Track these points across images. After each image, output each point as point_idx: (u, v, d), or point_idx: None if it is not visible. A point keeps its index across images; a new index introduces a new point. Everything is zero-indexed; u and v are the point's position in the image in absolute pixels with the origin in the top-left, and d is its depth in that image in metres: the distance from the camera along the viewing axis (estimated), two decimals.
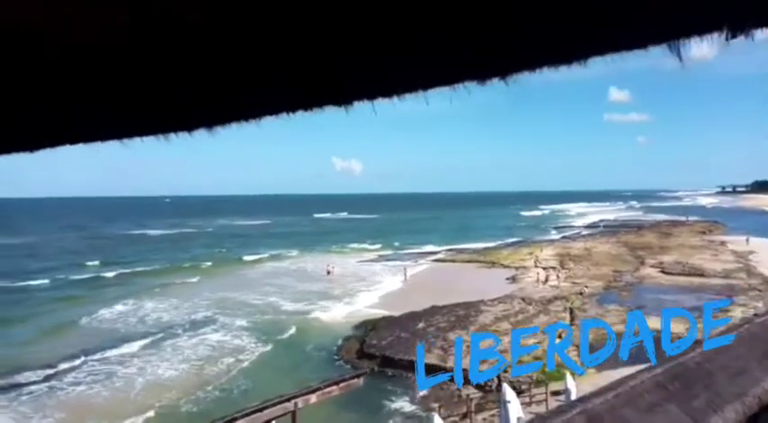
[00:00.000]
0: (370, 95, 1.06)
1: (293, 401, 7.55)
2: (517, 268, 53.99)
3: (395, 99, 1.05)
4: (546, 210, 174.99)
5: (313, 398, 7.75)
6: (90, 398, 22.54)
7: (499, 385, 22.94)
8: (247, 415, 7.18)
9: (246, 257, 65.61)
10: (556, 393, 17.75)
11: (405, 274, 50.46)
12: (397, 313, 36.01)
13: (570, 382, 14.45)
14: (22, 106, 1.17)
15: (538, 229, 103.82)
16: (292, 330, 32.87)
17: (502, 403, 11.98)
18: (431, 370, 24.98)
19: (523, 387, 21.71)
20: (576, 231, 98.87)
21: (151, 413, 20.56)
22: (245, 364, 27.21)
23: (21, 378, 25.14)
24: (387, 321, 34.10)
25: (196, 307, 38.96)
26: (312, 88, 1.07)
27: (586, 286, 41.50)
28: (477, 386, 23.01)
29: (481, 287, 42.32)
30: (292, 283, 48.92)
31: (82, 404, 21.68)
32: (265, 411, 7.37)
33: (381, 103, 1.07)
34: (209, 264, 60.12)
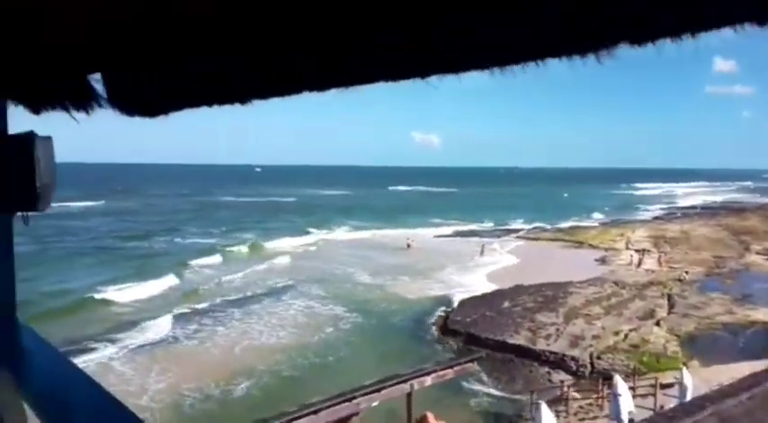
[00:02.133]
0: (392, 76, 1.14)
1: (409, 383, 7.67)
2: (607, 249, 51.80)
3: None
4: (640, 188, 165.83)
5: (428, 380, 7.86)
6: (200, 355, 24.23)
7: (592, 371, 22.39)
8: (366, 394, 7.38)
9: (330, 228, 67.18)
10: (665, 386, 16.77)
11: (483, 251, 49.78)
12: (480, 291, 35.76)
13: (686, 377, 13.60)
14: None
15: (627, 209, 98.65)
16: (374, 303, 33.42)
17: (612, 396, 11.57)
18: (520, 352, 24.80)
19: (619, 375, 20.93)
20: (671, 212, 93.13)
21: (257, 375, 21.77)
22: (334, 331, 28.13)
23: (134, 328, 27.52)
24: (470, 298, 33.95)
25: (285, 277, 40.38)
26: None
27: (686, 272, 39.12)
28: (570, 372, 22.50)
29: (569, 268, 40.99)
30: (374, 255, 49.63)
31: (193, 360, 23.33)
32: (383, 391, 7.54)
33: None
34: (297, 233, 61.71)
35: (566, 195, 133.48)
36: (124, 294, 33.52)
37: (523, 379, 22.28)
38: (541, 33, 0.91)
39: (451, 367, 8.34)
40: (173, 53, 1.47)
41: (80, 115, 2.17)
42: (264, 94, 1.50)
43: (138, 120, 2.13)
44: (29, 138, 2.07)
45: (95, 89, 2.03)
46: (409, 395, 7.68)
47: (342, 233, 65.20)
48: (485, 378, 22.29)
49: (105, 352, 23.91)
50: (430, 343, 27.17)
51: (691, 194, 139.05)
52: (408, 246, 53.76)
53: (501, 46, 0.98)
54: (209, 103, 1.70)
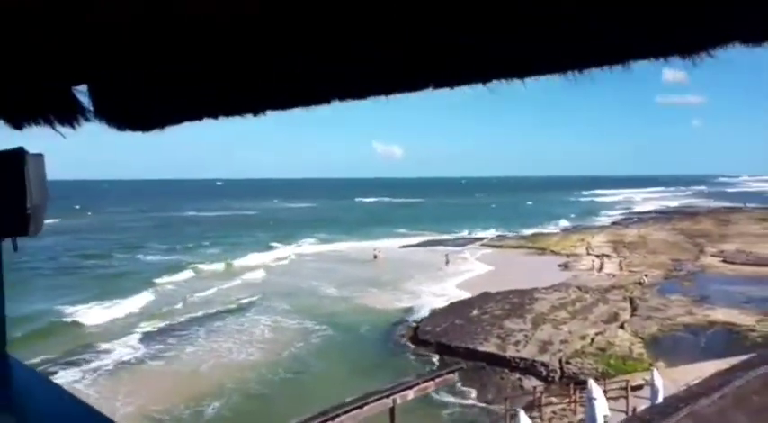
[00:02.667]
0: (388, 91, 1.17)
1: (391, 397, 7.62)
2: (569, 255, 53.02)
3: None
4: (595, 196, 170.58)
5: (410, 394, 7.82)
6: (168, 375, 23.48)
7: (562, 376, 22.76)
8: (349, 411, 7.28)
9: (295, 241, 66.49)
10: (635, 388, 17.02)
11: (448, 260, 50.10)
12: (448, 300, 35.99)
13: (657, 378, 13.91)
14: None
15: (587, 216, 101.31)
16: (343, 315, 33.14)
17: (587, 400, 11.74)
18: (491, 359, 24.99)
19: (588, 378, 21.27)
20: (629, 217, 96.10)
21: (227, 394, 21.25)
22: (304, 345, 27.76)
23: (99, 350, 26.65)
24: (439, 308, 34.12)
25: (252, 292, 39.64)
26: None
27: (645, 275, 40.35)
28: (540, 377, 22.80)
29: (533, 274, 41.74)
30: (341, 267, 49.39)
31: (161, 381, 22.58)
32: (365, 407, 7.46)
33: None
34: (261, 248, 60.84)
35: (529, 203, 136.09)
36: (85, 316, 32.27)
37: (495, 386, 22.44)
38: (533, 49, 0.93)
39: (433, 379, 8.33)
40: (164, 59, 1.40)
41: (66, 130, 2.03)
42: (266, 105, 1.41)
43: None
44: (19, 154, 1.90)
45: (80, 101, 1.92)
46: (392, 410, 7.63)
47: (308, 246, 64.64)
48: (458, 387, 22.30)
49: (69, 375, 22.89)
50: (401, 354, 27.10)
51: (649, 200, 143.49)
52: (375, 257, 53.72)
53: (494, 58, 0.99)
54: (211, 115, 1.60)
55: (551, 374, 22.99)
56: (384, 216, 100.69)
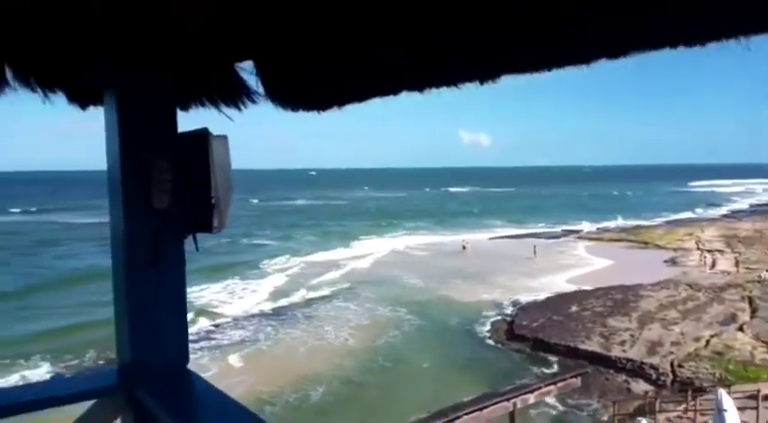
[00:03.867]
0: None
1: (512, 401, 7.50)
2: (675, 250, 49.76)
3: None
4: (703, 186, 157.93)
5: (531, 398, 7.66)
6: (274, 356, 24.77)
7: (674, 380, 21.39)
8: (468, 413, 7.24)
9: (390, 232, 67.15)
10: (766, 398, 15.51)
11: (536, 252, 48.35)
12: (541, 294, 34.91)
13: None
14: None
15: (695, 207, 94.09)
16: (435, 306, 33.06)
17: (717, 411, 10.89)
18: (594, 359, 23.95)
19: (704, 384, 19.85)
20: (741, 210, 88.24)
21: (328, 381, 21.96)
22: (400, 334, 28.09)
23: (213, 331, 28.61)
24: (533, 302, 33.19)
25: (348, 280, 40.51)
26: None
27: (766, 271, 36.92)
28: (650, 381, 21.52)
29: (637, 270, 39.57)
30: (433, 259, 49.36)
31: (269, 363, 23.78)
32: (485, 411, 7.38)
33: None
34: (355, 239, 61.80)
35: (629, 193, 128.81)
36: (201, 299, 34.04)
37: (599, 388, 21.41)
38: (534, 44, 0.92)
39: (555, 384, 8.11)
40: (338, 37, 1.23)
41: (232, 112, 1.86)
42: (435, 82, 1.28)
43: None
44: (203, 136, 1.64)
45: (245, 80, 1.75)
46: (512, 414, 7.50)
47: (403, 237, 64.17)
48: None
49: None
50: (497, 349, 26.65)
51: (750, 191, 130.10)
52: (464, 248, 53.12)
53: (493, 58, 0.98)
54: (390, 92, 1.41)
55: (662, 378, 21.61)
56: (474, 206, 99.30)
